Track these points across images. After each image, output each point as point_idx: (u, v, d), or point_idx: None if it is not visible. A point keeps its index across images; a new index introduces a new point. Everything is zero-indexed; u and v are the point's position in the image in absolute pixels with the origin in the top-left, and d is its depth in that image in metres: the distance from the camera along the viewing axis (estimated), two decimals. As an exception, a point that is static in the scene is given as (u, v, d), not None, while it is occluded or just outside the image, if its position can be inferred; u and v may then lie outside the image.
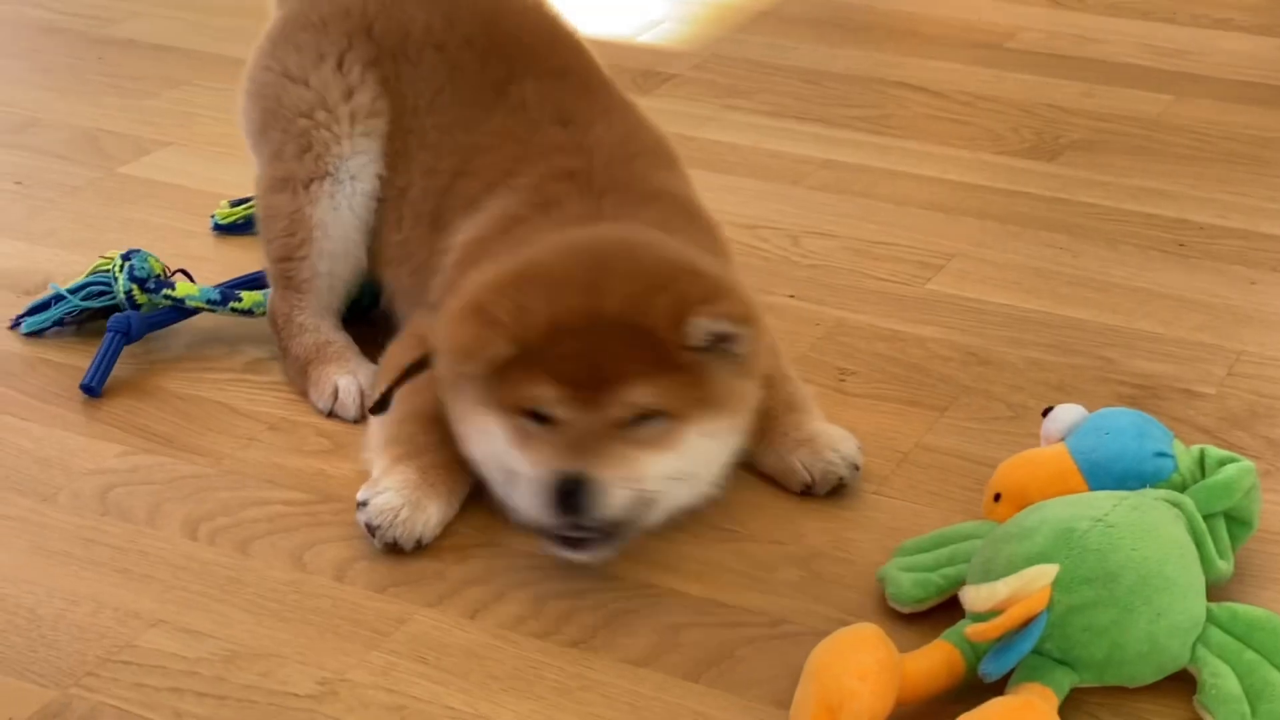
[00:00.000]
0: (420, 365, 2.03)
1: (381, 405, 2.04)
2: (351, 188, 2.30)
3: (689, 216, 2.14)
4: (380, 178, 2.30)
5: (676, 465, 1.88)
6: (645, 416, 1.85)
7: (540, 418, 1.85)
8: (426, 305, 2.16)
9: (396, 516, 1.93)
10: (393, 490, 1.95)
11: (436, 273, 2.17)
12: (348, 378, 2.25)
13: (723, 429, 1.92)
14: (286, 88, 2.31)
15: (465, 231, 2.14)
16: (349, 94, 2.29)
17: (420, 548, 1.95)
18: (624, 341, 1.84)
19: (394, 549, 1.94)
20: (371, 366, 2.27)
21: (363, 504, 1.96)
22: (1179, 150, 3.11)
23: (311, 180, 2.29)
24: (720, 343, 1.87)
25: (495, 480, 1.94)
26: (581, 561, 1.87)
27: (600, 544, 1.86)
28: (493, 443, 1.90)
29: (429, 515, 1.95)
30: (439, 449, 2.00)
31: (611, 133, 2.20)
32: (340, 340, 2.32)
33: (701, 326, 1.85)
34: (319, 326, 2.32)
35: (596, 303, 1.84)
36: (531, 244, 1.98)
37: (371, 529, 1.94)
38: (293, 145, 2.30)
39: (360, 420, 2.20)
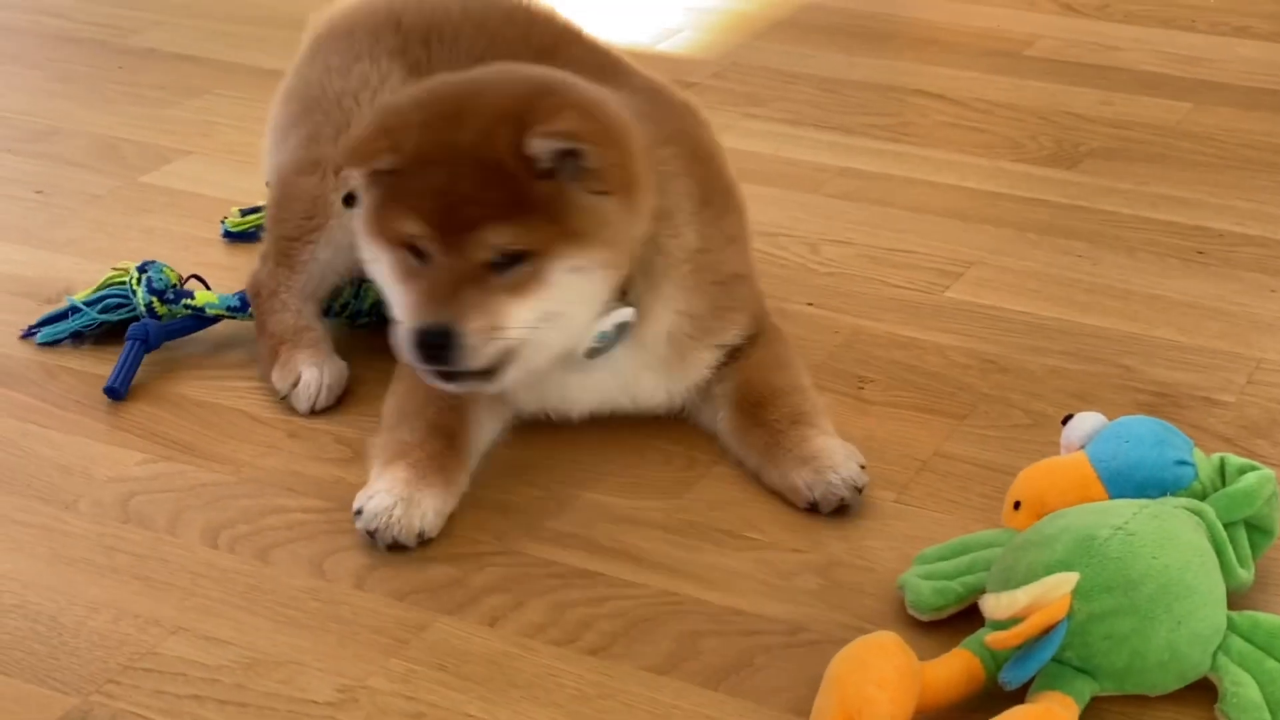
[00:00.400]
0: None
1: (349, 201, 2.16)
2: None
3: (706, 160, 2.20)
4: None
5: (543, 308, 1.92)
6: (511, 258, 1.89)
7: (418, 253, 1.92)
8: None
9: (391, 516, 1.94)
10: (384, 491, 1.97)
11: None
12: (313, 370, 2.28)
13: (592, 263, 1.94)
14: (328, 79, 2.37)
15: None
16: (382, 82, 2.33)
17: (425, 541, 1.96)
18: (478, 179, 1.89)
19: (398, 548, 1.95)
20: (342, 363, 2.31)
21: (358, 512, 1.97)
22: (1197, 158, 3.11)
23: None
24: (568, 161, 1.90)
25: (389, 302, 2.01)
26: (460, 393, 1.96)
27: (476, 381, 1.93)
28: (381, 273, 1.99)
29: (424, 509, 1.96)
30: (427, 442, 2.02)
31: (645, 91, 2.25)
32: (318, 329, 2.35)
33: (540, 147, 1.89)
34: (301, 310, 2.35)
35: (454, 135, 1.91)
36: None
37: (370, 534, 1.95)
38: (331, 129, 2.34)
39: (310, 414, 2.26)
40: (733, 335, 2.18)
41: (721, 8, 3.97)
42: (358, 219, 2.04)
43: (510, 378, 1.96)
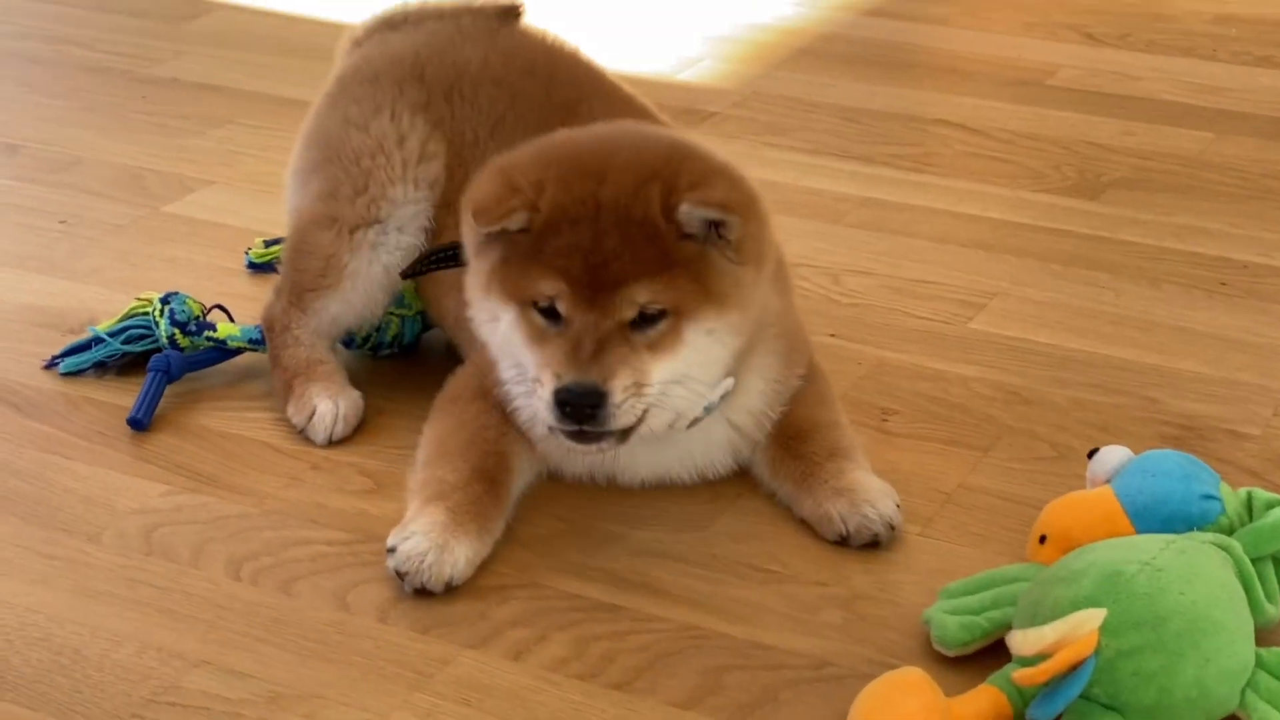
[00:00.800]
0: (449, 251, 2.14)
1: (411, 272, 2.20)
2: (396, 239, 2.34)
3: None
4: (426, 230, 2.35)
5: (678, 368, 1.93)
6: (650, 316, 1.90)
7: (549, 313, 1.91)
8: None
9: (423, 561, 1.93)
10: (420, 534, 1.96)
11: None
12: (328, 402, 2.28)
13: (725, 327, 1.95)
14: (348, 133, 2.37)
15: None
16: (402, 141, 2.34)
17: (452, 589, 1.95)
18: (624, 235, 1.89)
19: (425, 593, 1.94)
20: (357, 394, 2.31)
21: (391, 550, 1.96)
22: (1220, 188, 3.10)
23: (358, 226, 2.33)
24: (713, 229, 1.91)
25: (504, 369, 2.01)
26: (590, 454, 1.96)
27: (613, 441, 1.91)
28: (504, 333, 1.97)
29: (456, 556, 1.95)
30: (467, 486, 2.01)
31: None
32: (331, 362, 2.35)
33: (689, 213, 1.89)
34: (314, 344, 2.35)
35: (599, 191, 1.90)
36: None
37: (400, 575, 1.94)
38: (349, 186, 2.34)
39: (328, 445, 2.26)
40: (797, 385, 2.17)
41: (741, 37, 3.98)
42: (472, 278, 2.01)
43: (635, 435, 1.94)
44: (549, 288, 1.90)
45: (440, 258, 2.22)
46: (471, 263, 2.01)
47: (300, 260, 2.36)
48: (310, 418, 2.27)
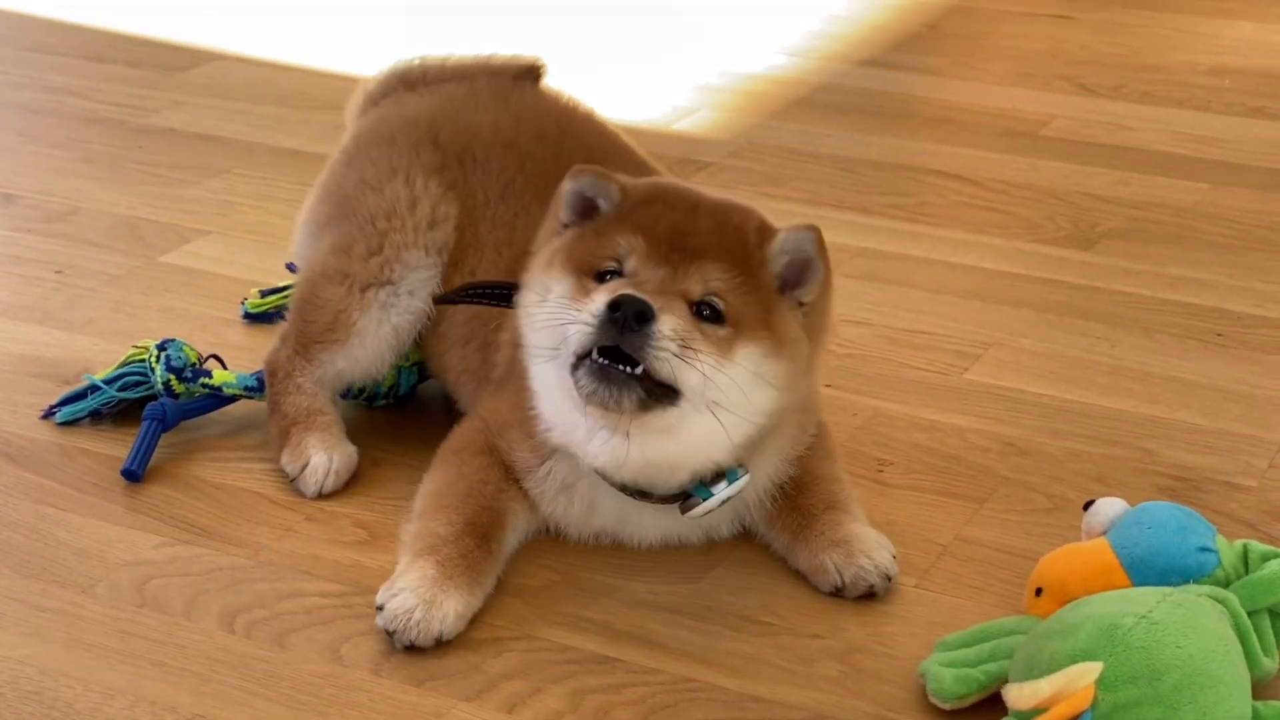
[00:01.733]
0: (504, 287, 2.12)
1: (447, 299, 2.22)
2: (406, 303, 2.34)
3: None
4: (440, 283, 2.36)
5: (720, 377, 1.89)
6: (711, 310, 1.90)
7: (608, 274, 1.92)
8: (490, 384, 2.21)
9: (410, 619, 1.92)
10: (408, 590, 1.95)
11: (501, 346, 2.21)
12: (322, 455, 2.27)
13: (774, 368, 1.94)
14: (364, 193, 2.38)
15: None
16: (414, 205, 2.35)
17: (442, 644, 1.94)
18: (715, 229, 1.93)
19: (414, 650, 1.93)
20: (352, 448, 2.30)
21: (380, 608, 1.95)
22: (1215, 239, 3.11)
23: (370, 285, 2.33)
24: (792, 274, 1.95)
25: (534, 347, 1.98)
26: (603, 398, 1.86)
27: (630, 389, 1.86)
28: (551, 305, 1.94)
29: (445, 611, 1.94)
30: (458, 540, 2.00)
31: None
32: (332, 413, 2.34)
33: (784, 243, 1.94)
34: (316, 393, 2.35)
35: (696, 197, 1.97)
36: None
37: (389, 633, 1.93)
38: (363, 245, 2.35)
39: (319, 497, 2.26)
40: (806, 450, 2.16)
41: (735, 87, 3.99)
42: (534, 262, 2.03)
43: (650, 428, 1.91)
44: (625, 243, 1.92)
45: (480, 292, 2.21)
46: (538, 251, 2.03)
47: (309, 312, 2.36)
48: (303, 468, 2.27)
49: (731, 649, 1.95)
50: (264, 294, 2.80)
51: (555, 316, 1.92)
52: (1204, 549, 1.88)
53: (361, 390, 2.45)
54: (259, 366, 2.46)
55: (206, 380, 2.41)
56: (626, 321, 1.83)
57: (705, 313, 1.91)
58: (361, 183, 2.39)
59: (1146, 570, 1.88)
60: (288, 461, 2.29)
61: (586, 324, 1.86)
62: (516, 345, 2.13)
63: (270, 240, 3.08)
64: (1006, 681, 1.75)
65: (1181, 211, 3.24)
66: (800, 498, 2.10)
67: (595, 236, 1.95)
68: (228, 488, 2.29)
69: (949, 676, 1.83)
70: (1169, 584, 1.83)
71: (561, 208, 2.04)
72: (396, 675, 1.90)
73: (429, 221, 2.35)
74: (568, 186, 2.02)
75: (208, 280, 2.94)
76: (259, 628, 1.99)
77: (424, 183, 2.36)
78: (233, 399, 2.43)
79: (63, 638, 1.97)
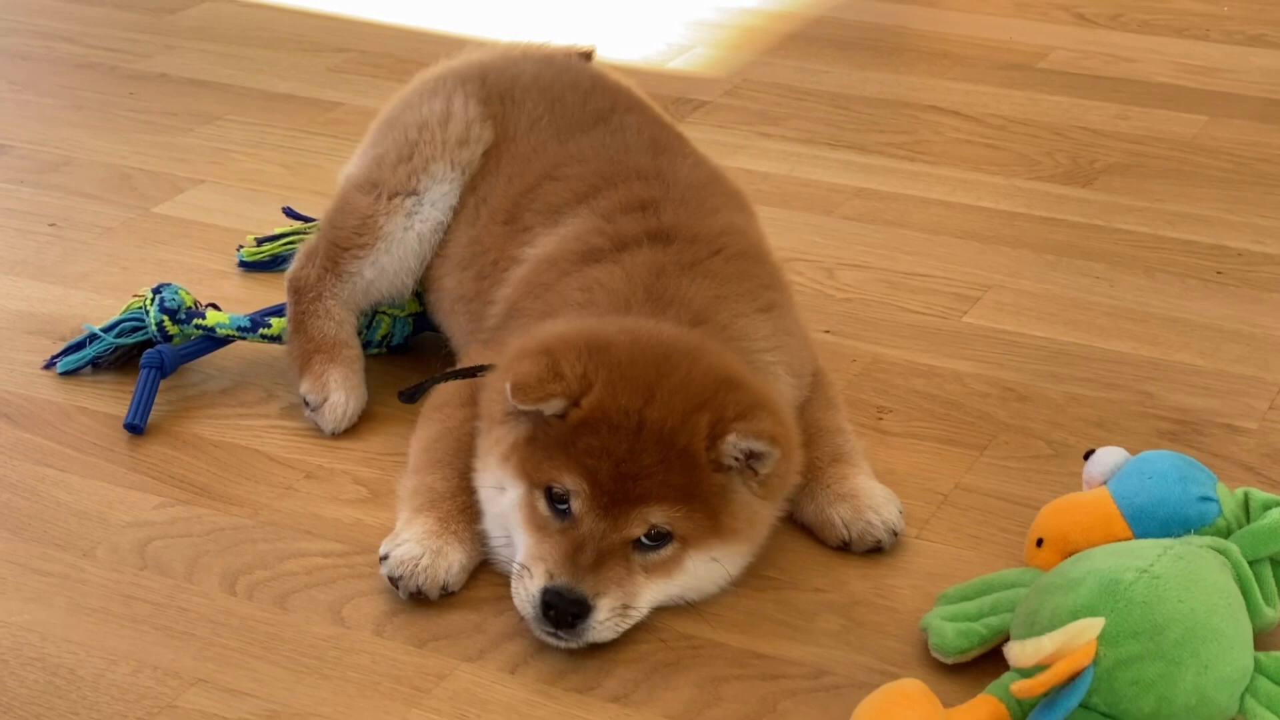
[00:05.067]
0: (471, 372, 2.08)
1: (413, 395, 2.13)
2: (429, 213, 2.36)
3: (752, 259, 2.17)
4: (454, 209, 2.37)
5: (671, 592, 1.90)
6: (656, 538, 1.86)
7: (559, 504, 1.87)
8: (485, 321, 2.21)
9: (417, 565, 1.93)
10: (412, 541, 1.95)
11: (503, 283, 2.21)
12: (342, 395, 2.29)
13: (730, 554, 1.93)
14: (403, 110, 2.44)
15: (540, 246, 2.20)
16: (447, 120, 2.38)
17: (447, 594, 1.95)
18: (660, 458, 1.85)
19: (419, 598, 1.94)
20: (365, 393, 2.33)
21: (384, 557, 1.96)
22: (1214, 173, 3.09)
23: (397, 194, 2.36)
24: (749, 460, 1.88)
25: (493, 534, 1.96)
26: (555, 643, 1.86)
27: (575, 642, 1.85)
28: (505, 505, 1.92)
29: (451, 562, 1.95)
30: (455, 495, 2.01)
31: (695, 173, 2.29)
32: (356, 348, 2.36)
33: (733, 445, 1.86)
34: (344, 321, 2.37)
35: (645, 410, 1.86)
36: (602, 314, 2.01)
37: (394, 581, 1.94)
38: (394, 154, 2.39)
39: (333, 436, 2.28)
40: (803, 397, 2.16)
41: (730, 23, 3.96)
42: (491, 441, 1.96)
43: None
44: (571, 482, 1.86)
45: (446, 377, 2.17)
46: (494, 429, 1.96)
47: (339, 218, 2.40)
48: (324, 403, 2.29)
49: (733, 604, 1.96)
50: (259, 241, 2.78)
51: (508, 522, 1.92)
52: (1205, 498, 1.88)
53: (355, 334, 2.43)
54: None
55: (200, 321, 2.40)
56: (560, 618, 1.82)
57: (649, 540, 1.87)
58: (405, 103, 2.46)
59: (1148, 520, 1.87)
60: (308, 391, 2.30)
61: (528, 597, 1.84)
62: (510, 305, 2.13)
63: (264, 188, 3.07)
64: (1008, 635, 1.75)
65: (1180, 145, 3.22)
66: (805, 451, 2.09)
67: (545, 456, 1.88)
68: (226, 445, 2.28)
69: (950, 630, 1.83)
70: (1170, 534, 1.83)
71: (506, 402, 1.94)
72: (399, 636, 1.90)
73: (459, 139, 2.37)
74: (502, 396, 1.92)
75: (202, 231, 2.92)
76: (261, 589, 1.99)
77: (463, 103, 2.39)
78: (227, 340, 2.42)
79: (64, 603, 1.97)
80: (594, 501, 1.84)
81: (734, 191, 2.34)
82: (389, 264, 2.37)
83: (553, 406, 1.87)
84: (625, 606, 1.85)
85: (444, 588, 1.94)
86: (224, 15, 4.06)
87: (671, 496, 1.85)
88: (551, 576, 1.83)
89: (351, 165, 2.51)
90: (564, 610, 1.82)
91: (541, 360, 1.88)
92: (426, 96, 2.43)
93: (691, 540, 1.88)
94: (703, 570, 1.91)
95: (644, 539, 1.86)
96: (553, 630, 1.84)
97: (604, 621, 1.83)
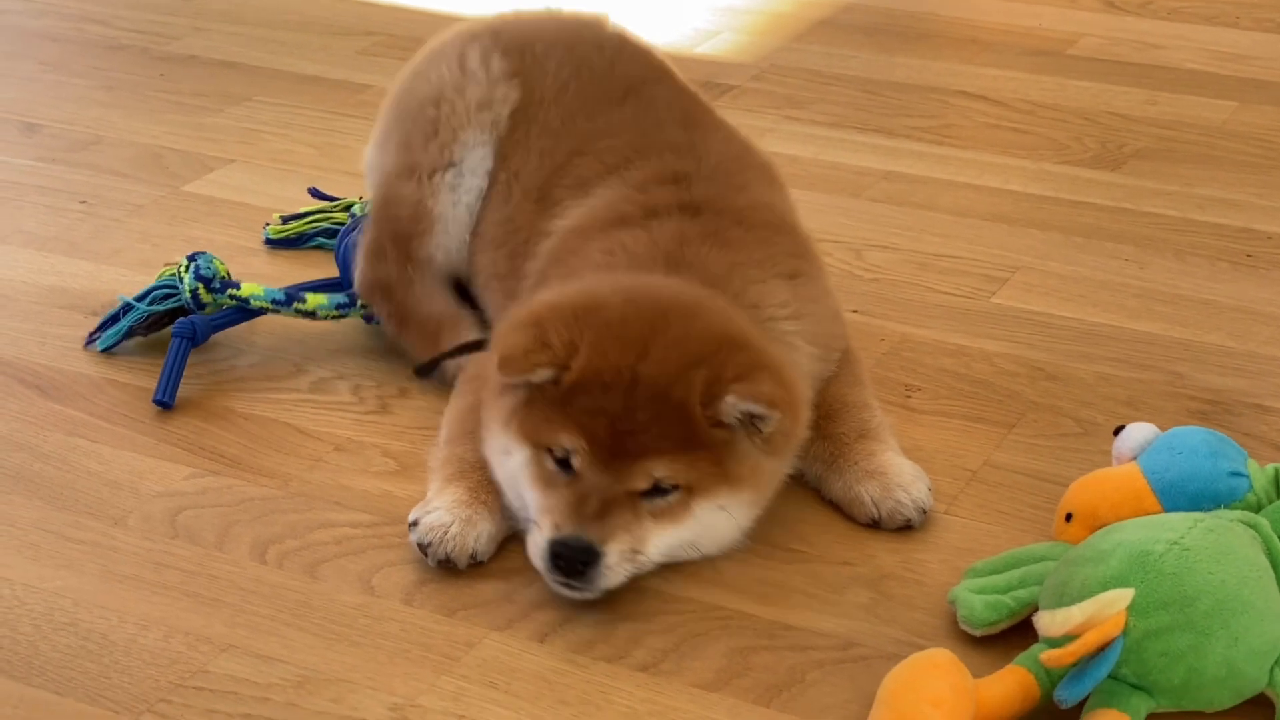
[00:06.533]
0: (475, 346, 2.08)
1: (427, 370, 2.17)
2: (469, 182, 2.37)
3: (775, 229, 2.16)
4: (489, 173, 2.37)
5: (682, 538, 1.90)
6: (662, 489, 1.87)
7: (563, 462, 1.88)
8: (518, 296, 2.20)
9: (447, 533, 1.94)
10: (443, 509, 1.96)
11: (533, 258, 2.22)
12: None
13: (737, 503, 1.92)
14: (415, 84, 2.43)
15: (570, 218, 2.20)
16: (463, 87, 2.37)
17: (476, 563, 1.95)
18: (656, 413, 1.85)
19: (448, 566, 1.94)
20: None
21: (414, 524, 1.97)
22: (1244, 158, 3.09)
23: (435, 170, 2.36)
24: (750, 420, 1.88)
25: (508, 495, 1.97)
26: (569, 593, 1.88)
27: (590, 591, 1.87)
28: (512, 468, 1.93)
29: (480, 531, 1.96)
30: (487, 466, 2.01)
31: (727, 147, 2.28)
32: (467, 316, 2.37)
33: (733, 406, 1.86)
34: (446, 296, 2.38)
35: (639, 366, 1.86)
36: (607, 274, 2.01)
37: (423, 547, 1.95)
38: (419, 135, 2.38)
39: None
40: (832, 370, 2.17)
41: (758, 8, 3.96)
42: (493, 409, 1.97)
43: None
44: (568, 441, 1.86)
45: (455, 352, 2.22)
46: (495, 398, 1.97)
47: (390, 212, 2.39)
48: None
49: (762, 577, 1.96)
50: (285, 220, 2.79)
51: (518, 483, 1.93)
52: (1235, 474, 1.88)
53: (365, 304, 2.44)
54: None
55: (234, 291, 2.40)
56: (570, 567, 1.83)
57: (656, 490, 1.87)
58: (414, 76, 2.44)
59: (1178, 495, 1.87)
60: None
61: (537, 550, 1.86)
62: (539, 276, 2.13)
63: (294, 168, 3.08)
64: (1037, 608, 1.76)
65: (1210, 130, 3.21)
66: (831, 426, 2.09)
67: (543, 418, 1.88)
68: (257, 418, 2.29)
69: (979, 603, 1.83)
70: (1200, 509, 1.83)
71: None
72: (428, 605, 1.91)
73: (480, 102, 2.37)
74: (500, 375, 1.93)
75: (232, 209, 2.93)
76: (291, 558, 2.00)
77: (479, 59, 2.38)
78: (260, 312, 2.42)
79: (97, 570, 1.98)
80: (594, 458, 1.85)
81: (764, 164, 2.33)
82: (447, 242, 2.38)
83: (540, 376, 1.88)
84: (634, 551, 1.85)
85: (472, 556, 1.95)
86: (253, -1, 4.08)
87: (671, 449, 1.85)
88: (558, 528, 1.84)
89: (374, 150, 2.50)
90: (572, 559, 1.83)
91: (529, 331, 1.89)
92: (435, 64, 2.42)
93: (698, 488, 1.88)
94: (710, 518, 1.90)
95: (650, 489, 1.86)
96: (564, 580, 1.85)
97: (614, 566, 1.84)
